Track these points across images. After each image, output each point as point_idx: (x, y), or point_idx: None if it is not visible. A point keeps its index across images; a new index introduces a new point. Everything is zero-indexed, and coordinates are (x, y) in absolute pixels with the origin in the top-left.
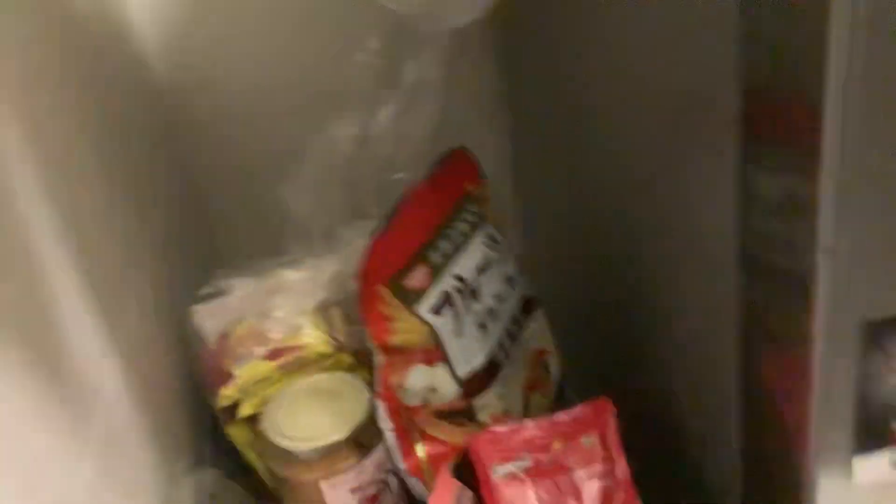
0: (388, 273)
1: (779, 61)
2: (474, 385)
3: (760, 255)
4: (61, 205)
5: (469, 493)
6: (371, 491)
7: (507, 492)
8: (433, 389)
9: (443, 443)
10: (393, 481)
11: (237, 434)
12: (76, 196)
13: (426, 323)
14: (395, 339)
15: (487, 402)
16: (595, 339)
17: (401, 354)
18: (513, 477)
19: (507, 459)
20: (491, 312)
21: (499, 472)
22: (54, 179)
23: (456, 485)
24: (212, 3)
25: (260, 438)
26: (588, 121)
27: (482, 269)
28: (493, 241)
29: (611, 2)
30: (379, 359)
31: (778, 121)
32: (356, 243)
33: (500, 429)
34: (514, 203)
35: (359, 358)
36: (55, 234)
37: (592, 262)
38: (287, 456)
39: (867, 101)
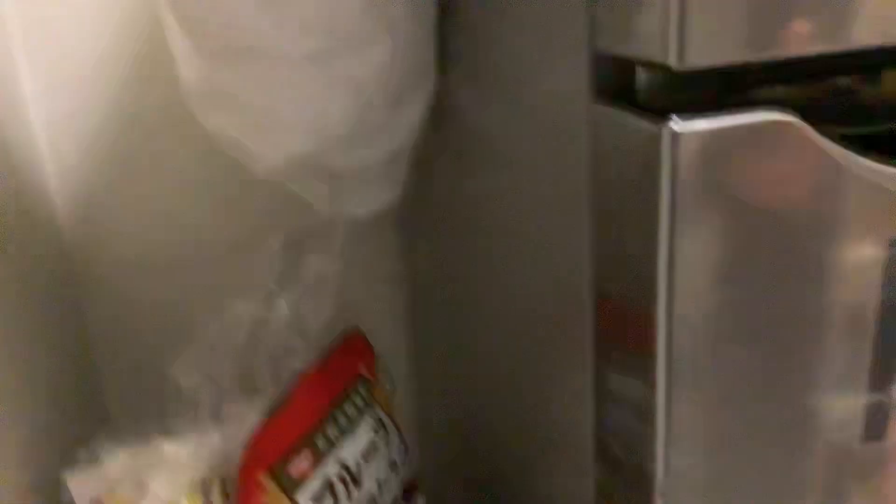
0: (271, 460)
1: (621, 274)
2: None
3: (614, 450)
4: None
5: None
6: None
7: None
8: None
9: None
10: None
11: None
12: None
13: None
14: None
15: None
16: None
17: None
18: None
19: None
20: (371, 499)
21: None
22: None
23: None
24: (128, 173)
25: None
26: (471, 308)
27: (366, 456)
28: (380, 426)
29: (487, 206)
30: None
31: (621, 329)
32: (243, 419)
33: None
34: (408, 383)
35: None
36: None
37: (473, 442)
38: None
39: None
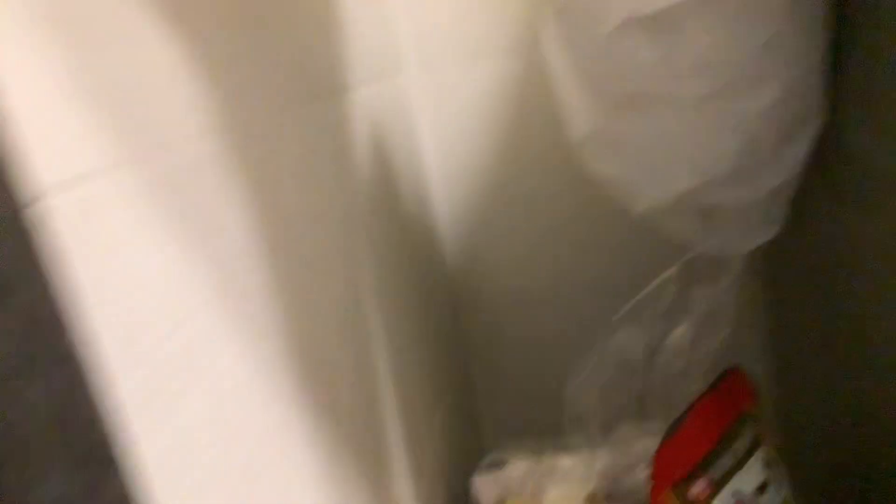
0: (675, 478)
1: None
2: None
3: None
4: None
5: None
6: None
7: None
8: None
9: None
10: None
11: None
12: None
13: None
14: None
15: None
16: None
17: None
18: None
19: None
20: None
21: None
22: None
23: None
24: (506, 211)
25: None
26: (856, 354)
27: (761, 491)
28: (770, 463)
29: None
30: None
31: None
32: (634, 441)
33: None
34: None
35: None
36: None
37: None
38: None
39: None
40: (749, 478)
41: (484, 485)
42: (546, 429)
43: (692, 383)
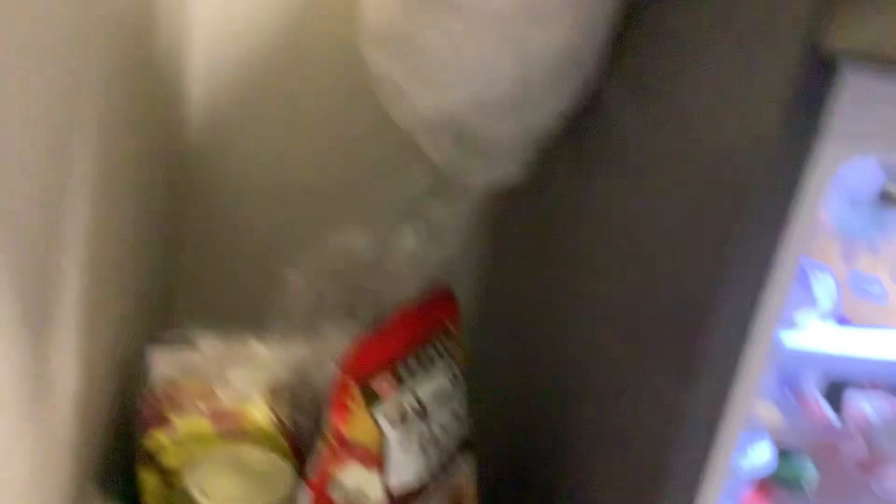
0: (362, 372)
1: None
2: (399, 501)
3: None
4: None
5: None
6: None
7: None
8: (363, 493)
9: None
10: None
11: (148, 480)
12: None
13: (379, 427)
14: (347, 433)
15: None
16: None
17: (346, 449)
18: None
19: None
20: (434, 440)
21: None
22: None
23: None
24: (264, 100)
25: (174, 492)
26: (562, 305)
27: (438, 399)
28: (453, 377)
29: (609, 211)
30: (324, 447)
31: None
32: (334, 339)
33: None
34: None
35: (293, 447)
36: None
37: (528, 418)
38: None
39: None
40: (431, 385)
41: (159, 358)
42: (251, 319)
43: (404, 291)
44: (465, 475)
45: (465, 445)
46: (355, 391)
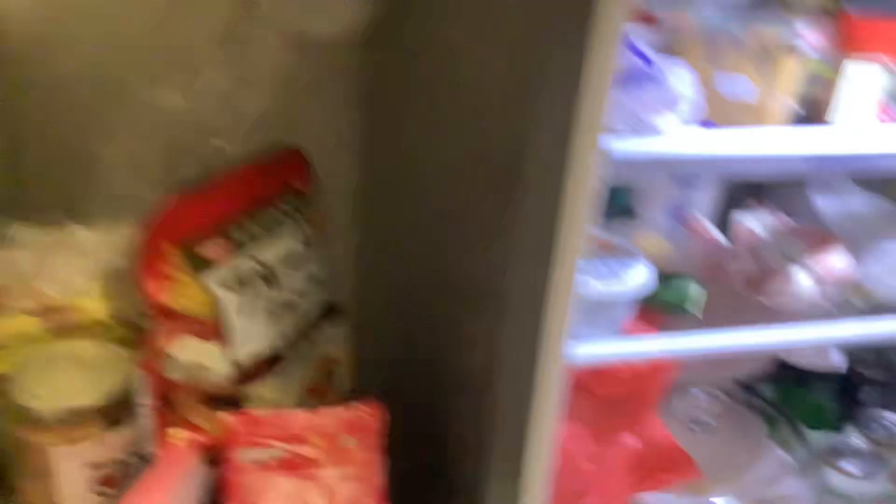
0: (182, 235)
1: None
2: (250, 372)
3: None
4: None
5: (205, 475)
6: (109, 471)
7: (249, 478)
8: (202, 367)
9: (203, 431)
10: (139, 466)
11: None
12: None
13: (212, 294)
14: (172, 303)
15: (260, 394)
16: (396, 355)
17: (173, 320)
18: (259, 464)
19: (257, 445)
20: (287, 305)
21: (245, 456)
22: None
23: (185, 463)
24: None
25: (2, 395)
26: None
27: (288, 262)
28: (306, 241)
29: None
30: (149, 322)
31: None
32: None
33: (258, 413)
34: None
35: (135, 333)
36: None
37: (407, 287)
38: (25, 415)
39: None
40: (277, 249)
41: None
42: (72, 207)
43: (229, 152)
44: (333, 342)
45: (332, 311)
46: (175, 256)
